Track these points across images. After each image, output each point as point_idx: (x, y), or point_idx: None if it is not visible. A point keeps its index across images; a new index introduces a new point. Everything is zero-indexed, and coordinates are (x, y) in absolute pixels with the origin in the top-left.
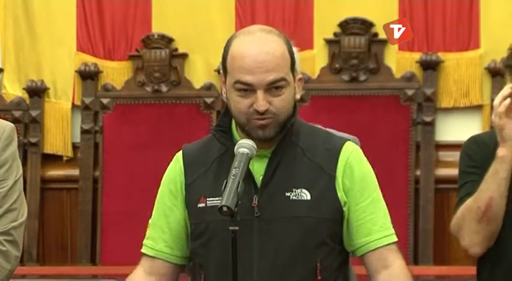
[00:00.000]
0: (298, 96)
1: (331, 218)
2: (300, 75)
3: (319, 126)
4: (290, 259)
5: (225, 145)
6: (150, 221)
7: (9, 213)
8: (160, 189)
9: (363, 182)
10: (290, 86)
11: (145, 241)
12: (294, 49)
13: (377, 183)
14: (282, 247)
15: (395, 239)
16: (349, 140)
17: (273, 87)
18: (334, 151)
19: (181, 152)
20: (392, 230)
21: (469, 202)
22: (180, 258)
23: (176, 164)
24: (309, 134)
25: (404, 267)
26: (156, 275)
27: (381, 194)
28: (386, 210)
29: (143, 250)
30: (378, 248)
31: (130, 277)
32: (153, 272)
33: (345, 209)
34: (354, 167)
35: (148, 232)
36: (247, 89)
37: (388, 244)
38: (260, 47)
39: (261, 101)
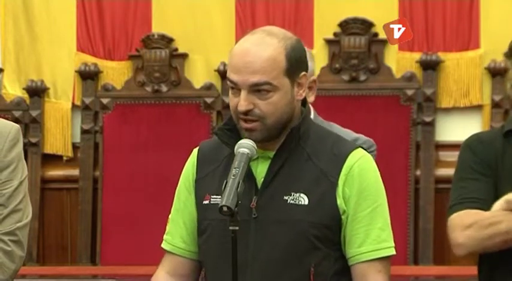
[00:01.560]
0: (311, 99)
1: (327, 224)
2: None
3: (337, 126)
4: (283, 261)
5: (228, 145)
6: (169, 216)
7: (15, 214)
8: (178, 184)
9: (364, 191)
10: (280, 91)
11: (164, 236)
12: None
13: (383, 194)
14: (275, 249)
15: (389, 252)
16: (360, 146)
17: (258, 90)
18: (340, 157)
19: (197, 148)
20: (390, 243)
21: (496, 217)
22: (195, 254)
23: (191, 159)
24: (318, 138)
25: None
26: (178, 277)
27: (384, 205)
28: (387, 222)
29: (162, 245)
30: (365, 261)
31: (153, 278)
32: (176, 274)
33: (343, 217)
34: (357, 175)
35: (167, 227)
36: (234, 87)
37: (377, 259)
38: (252, 47)
39: (241, 101)
